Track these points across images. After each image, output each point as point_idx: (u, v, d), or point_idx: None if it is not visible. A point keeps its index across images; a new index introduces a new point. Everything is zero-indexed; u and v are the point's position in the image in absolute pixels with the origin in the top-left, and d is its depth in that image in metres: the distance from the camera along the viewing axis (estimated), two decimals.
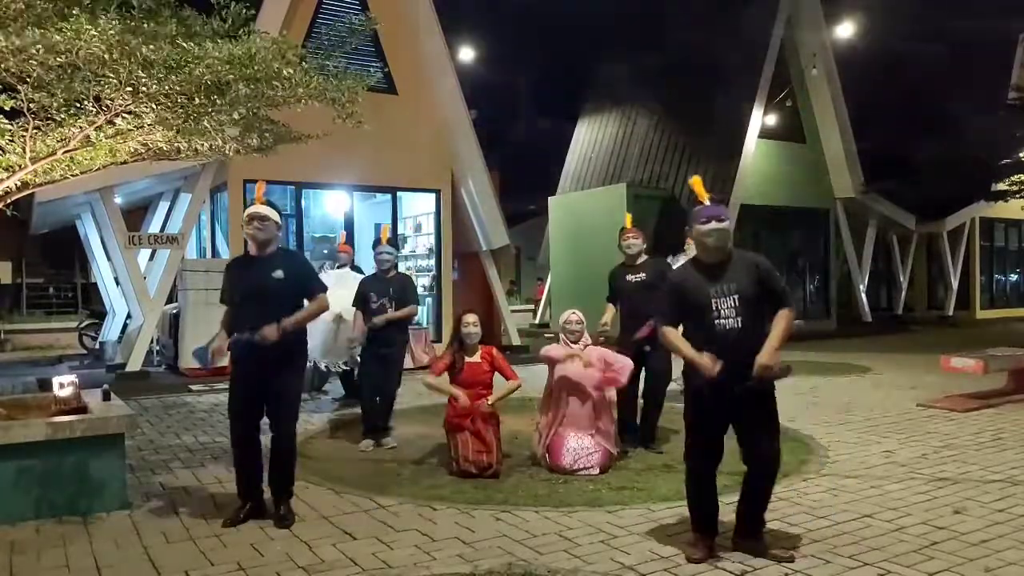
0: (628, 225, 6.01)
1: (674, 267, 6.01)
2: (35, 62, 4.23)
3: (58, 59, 4.20)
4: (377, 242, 6.39)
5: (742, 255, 3.70)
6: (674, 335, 3.67)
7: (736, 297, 3.55)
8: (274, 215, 4.32)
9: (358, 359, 6.57)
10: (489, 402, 5.31)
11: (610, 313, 5.96)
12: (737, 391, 3.50)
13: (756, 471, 3.65)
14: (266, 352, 4.12)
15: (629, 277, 5.84)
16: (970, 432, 6.41)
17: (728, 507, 3.84)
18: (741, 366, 3.46)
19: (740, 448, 3.68)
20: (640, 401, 5.93)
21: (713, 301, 3.57)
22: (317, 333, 6.46)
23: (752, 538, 3.70)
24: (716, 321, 3.55)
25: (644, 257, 5.91)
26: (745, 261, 3.66)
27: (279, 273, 4.24)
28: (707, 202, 3.68)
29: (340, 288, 6.36)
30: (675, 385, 6.82)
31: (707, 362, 3.48)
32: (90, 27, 4.04)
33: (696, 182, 3.83)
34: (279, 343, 4.13)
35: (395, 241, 6.55)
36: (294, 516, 4.23)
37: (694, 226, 3.67)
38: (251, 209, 4.30)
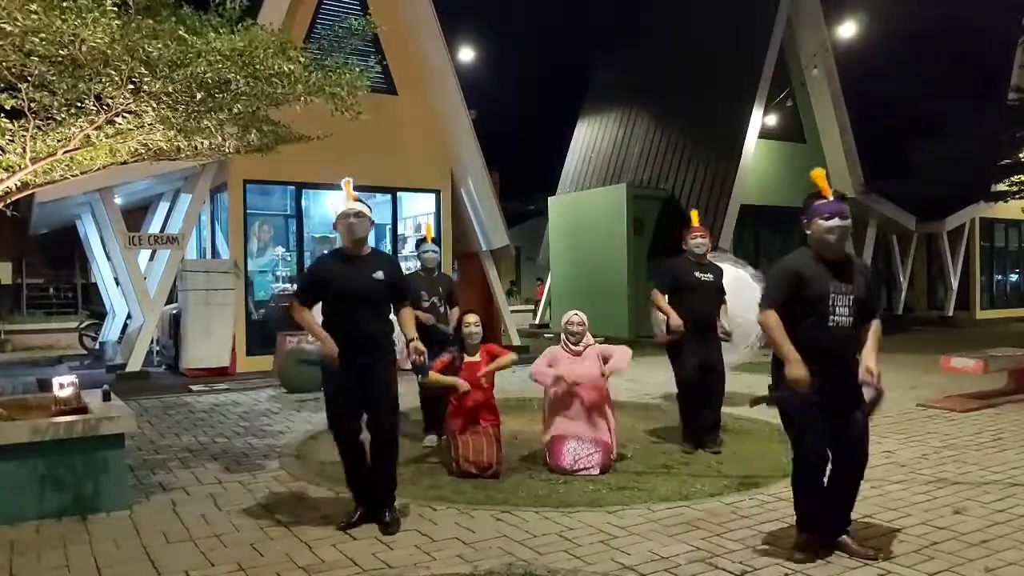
0: (695, 223, 5.98)
1: (732, 273, 6.04)
2: (36, 57, 4.22)
3: (60, 51, 4.18)
4: (423, 240, 6.46)
5: (852, 257, 3.68)
6: (778, 325, 3.52)
7: (852, 297, 3.53)
8: (368, 211, 4.24)
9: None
10: (481, 373, 5.27)
11: (671, 310, 5.70)
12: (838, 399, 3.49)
13: (848, 469, 3.63)
14: (367, 358, 4.11)
15: (698, 275, 5.76)
16: (970, 432, 6.41)
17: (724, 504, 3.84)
18: (845, 366, 3.48)
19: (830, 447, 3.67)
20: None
21: (832, 296, 3.52)
22: None
23: (841, 535, 3.69)
24: (830, 317, 3.51)
25: (707, 258, 5.92)
26: (859, 267, 3.65)
27: (379, 274, 4.19)
28: (831, 197, 3.62)
29: None
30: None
31: (803, 375, 3.38)
32: (93, 10, 4.02)
33: (819, 175, 3.69)
34: (374, 341, 4.14)
35: (436, 239, 6.59)
36: (400, 522, 4.13)
37: (815, 220, 3.59)
38: (349, 205, 4.18)
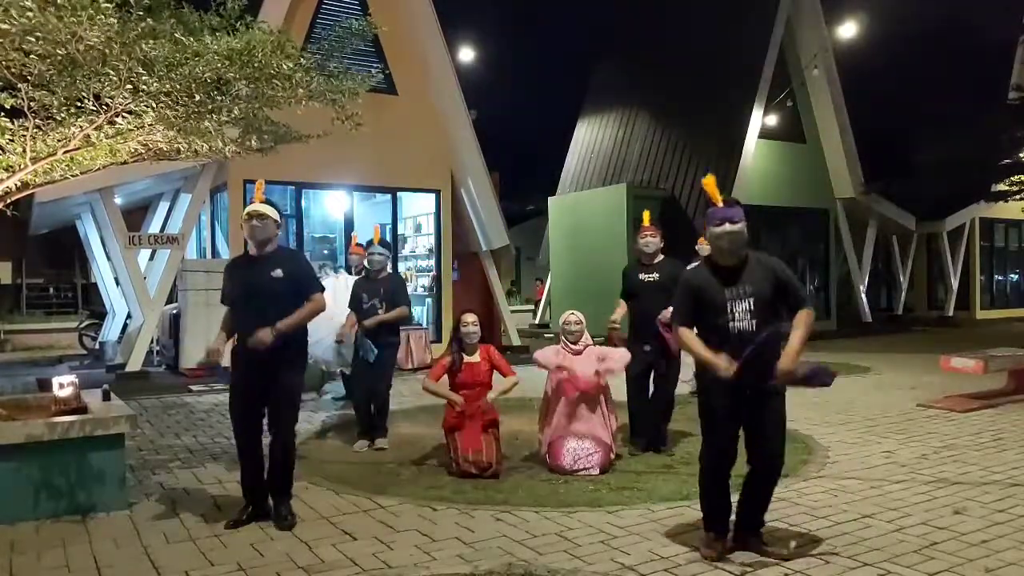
0: (646, 223, 5.92)
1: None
2: (35, 56, 4.22)
3: (58, 50, 4.18)
4: (369, 243, 6.35)
5: (759, 257, 3.66)
6: (689, 336, 3.64)
7: (752, 300, 3.52)
8: (273, 213, 4.28)
9: (350, 361, 6.55)
10: (489, 398, 5.31)
11: (621, 311, 5.83)
12: (751, 393, 3.50)
13: (759, 473, 3.66)
14: (266, 353, 4.09)
15: (643, 276, 5.74)
16: (970, 432, 6.41)
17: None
18: (755, 369, 3.45)
19: (746, 449, 3.69)
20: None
21: (728, 303, 3.54)
22: (319, 333, 6.45)
23: (750, 535, 3.71)
24: (730, 324, 3.53)
25: (660, 257, 5.85)
26: (762, 264, 3.63)
27: (278, 272, 4.20)
28: (720, 204, 3.63)
29: (340, 296, 6.41)
30: (686, 387, 6.79)
31: (723, 363, 3.45)
32: (87, 7, 4.00)
33: (709, 183, 3.74)
34: (279, 344, 4.10)
35: (386, 241, 6.50)
36: (295, 517, 4.21)
37: (708, 228, 3.63)
38: (250, 207, 4.27)
